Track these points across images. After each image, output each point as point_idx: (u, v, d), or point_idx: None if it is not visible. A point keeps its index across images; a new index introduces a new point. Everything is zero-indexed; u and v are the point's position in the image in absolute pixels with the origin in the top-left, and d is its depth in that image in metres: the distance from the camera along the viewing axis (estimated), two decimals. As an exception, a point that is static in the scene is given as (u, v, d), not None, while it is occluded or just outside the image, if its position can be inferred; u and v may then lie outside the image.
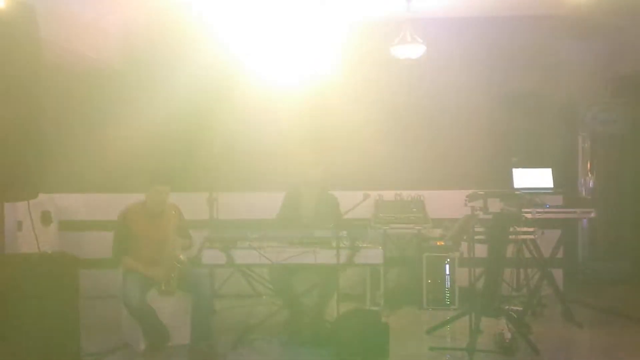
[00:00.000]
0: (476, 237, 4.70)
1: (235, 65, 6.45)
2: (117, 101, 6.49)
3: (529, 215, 5.17)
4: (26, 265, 3.55)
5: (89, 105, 6.51)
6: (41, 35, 3.61)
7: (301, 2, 5.58)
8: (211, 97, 6.18)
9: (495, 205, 5.54)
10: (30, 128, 3.51)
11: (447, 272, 5.75)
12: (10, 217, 5.20)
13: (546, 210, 5.42)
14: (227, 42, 6.36)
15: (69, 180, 6.50)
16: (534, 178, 5.82)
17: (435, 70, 6.40)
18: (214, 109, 6.02)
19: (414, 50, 5.63)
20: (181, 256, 4.64)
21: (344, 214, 4.54)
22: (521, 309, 5.29)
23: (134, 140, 6.48)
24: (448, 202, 6.26)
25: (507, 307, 5.10)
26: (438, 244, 5.82)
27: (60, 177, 6.46)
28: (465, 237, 4.65)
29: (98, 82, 6.48)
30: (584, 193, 6.77)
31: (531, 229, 5.02)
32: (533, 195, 5.54)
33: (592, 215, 5.36)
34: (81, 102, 6.51)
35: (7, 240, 3.71)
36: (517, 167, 5.88)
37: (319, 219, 5.11)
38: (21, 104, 3.49)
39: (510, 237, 4.81)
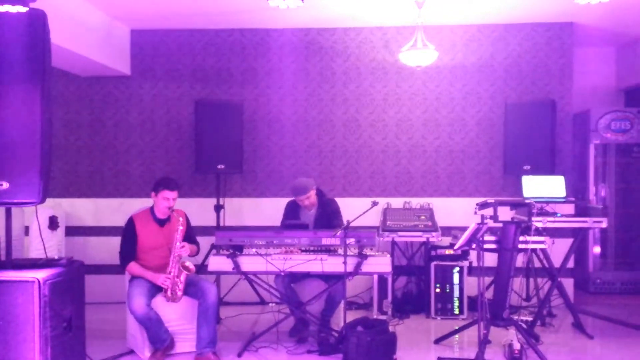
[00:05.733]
0: (486, 246, 4.65)
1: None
2: (126, 105, 6.52)
3: (539, 224, 5.11)
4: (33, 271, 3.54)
5: (98, 110, 6.53)
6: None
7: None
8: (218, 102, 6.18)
9: (505, 214, 5.50)
10: (38, 133, 3.50)
11: (456, 281, 5.70)
12: (17, 222, 5.22)
13: (557, 219, 5.37)
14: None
15: (77, 186, 6.52)
16: (545, 186, 5.77)
17: (447, 77, 6.37)
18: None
19: (425, 56, 5.59)
20: (188, 263, 4.62)
21: (352, 221, 4.50)
22: (531, 319, 5.24)
23: (142, 145, 6.51)
24: (457, 211, 6.23)
25: (516, 317, 5.06)
26: (447, 252, 5.77)
27: (68, 182, 6.50)
28: (474, 246, 4.60)
29: (107, 86, 6.52)
30: (595, 202, 6.71)
31: (542, 238, 4.95)
32: (544, 204, 5.49)
33: (604, 225, 5.30)
34: (90, 106, 6.54)
35: (14, 245, 3.69)
36: (528, 175, 5.84)
37: (320, 225, 5.08)
38: (30, 109, 3.48)
39: (520, 246, 4.75)
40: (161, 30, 6.45)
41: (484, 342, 4.36)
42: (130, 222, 4.70)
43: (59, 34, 4.79)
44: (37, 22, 3.52)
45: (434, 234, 5.70)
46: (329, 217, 5.12)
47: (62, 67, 5.93)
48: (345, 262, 4.45)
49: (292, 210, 5.27)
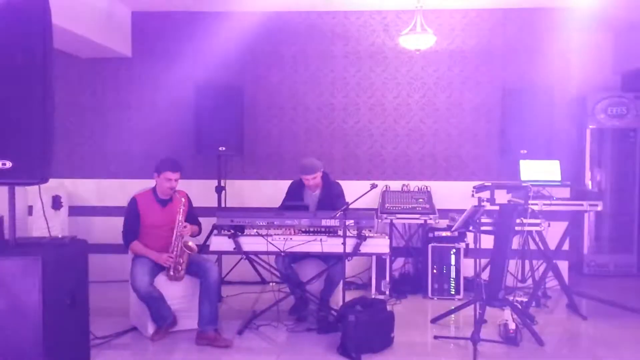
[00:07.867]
0: (482, 228, 4.72)
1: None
2: (128, 87, 6.55)
3: (535, 207, 5.18)
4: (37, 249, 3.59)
5: (100, 91, 6.56)
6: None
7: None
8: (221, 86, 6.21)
9: (502, 197, 5.56)
10: (41, 113, 3.53)
11: (453, 263, 5.78)
12: (21, 202, 5.26)
13: (553, 202, 5.43)
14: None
15: (79, 166, 6.57)
16: (542, 170, 5.83)
17: (445, 62, 6.40)
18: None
19: (424, 40, 5.63)
20: (190, 242, 4.69)
21: (351, 203, 4.56)
22: (526, 300, 5.32)
23: (144, 126, 6.54)
24: (455, 193, 6.29)
25: (511, 297, 5.14)
26: (444, 234, 5.84)
27: (71, 163, 6.55)
28: (471, 228, 4.67)
29: (108, 68, 6.54)
30: (591, 186, 6.78)
31: (537, 221, 5.03)
32: (540, 188, 5.56)
33: (599, 208, 5.36)
34: (91, 87, 6.56)
35: (18, 225, 3.73)
36: (524, 159, 5.89)
37: (323, 207, 5.14)
38: (32, 90, 3.51)
39: (516, 228, 4.82)
40: (162, 13, 6.45)
41: (479, 322, 4.44)
42: (133, 201, 4.75)
43: (60, 15, 4.81)
44: (38, 3, 3.53)
45: (431, 216, 5.77)
46: (332, 199, 5.15)
47: (63, 48, 5.94)
48: (344, 243, 4.52)
49: (295, 191, 5.32)
